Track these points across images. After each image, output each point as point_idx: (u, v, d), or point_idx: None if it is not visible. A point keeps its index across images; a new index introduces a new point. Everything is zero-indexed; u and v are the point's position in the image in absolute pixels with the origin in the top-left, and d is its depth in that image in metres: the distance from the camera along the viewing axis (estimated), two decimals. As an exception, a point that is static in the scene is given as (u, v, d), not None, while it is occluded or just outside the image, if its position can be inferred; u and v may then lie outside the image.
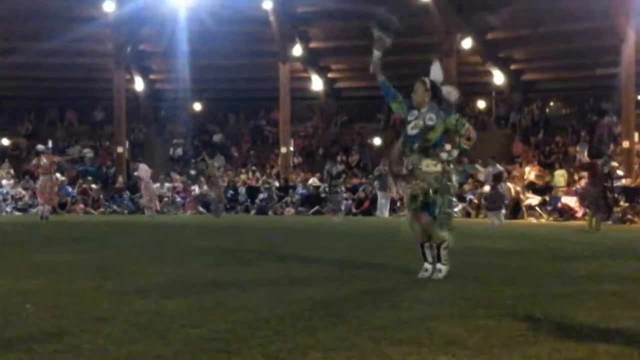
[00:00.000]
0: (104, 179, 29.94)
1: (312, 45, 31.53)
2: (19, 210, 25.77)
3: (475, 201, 23.62)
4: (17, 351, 3.54)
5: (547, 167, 26.49)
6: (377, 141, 31.48)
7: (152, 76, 34.88)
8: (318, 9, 29.72)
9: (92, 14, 28.63)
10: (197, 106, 34.88)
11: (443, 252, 6.48)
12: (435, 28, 27.91)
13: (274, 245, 10.84)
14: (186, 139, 33.80)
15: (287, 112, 30.69)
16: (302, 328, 4.11)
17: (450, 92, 6.76)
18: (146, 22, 30.11)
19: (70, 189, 27.25)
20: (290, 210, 26.47)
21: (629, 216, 20.76)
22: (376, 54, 6.78)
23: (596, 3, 24.71)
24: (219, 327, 4.10)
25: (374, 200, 25.29)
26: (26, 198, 26.30)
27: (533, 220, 22.28)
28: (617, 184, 21.41)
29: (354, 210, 25.58)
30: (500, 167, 20.52)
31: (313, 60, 32.36)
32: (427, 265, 6.52)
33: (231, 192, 27.50)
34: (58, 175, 24.03)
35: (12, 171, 28.85)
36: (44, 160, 19.69)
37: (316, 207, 26.22)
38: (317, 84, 33.50)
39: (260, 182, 28.73)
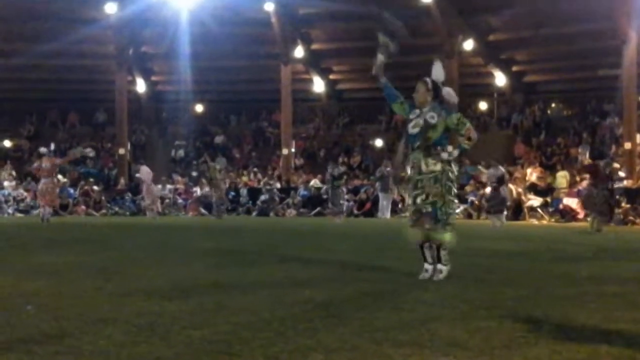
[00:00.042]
0: (106, 181, 29.95)
1: (314, 46, 31.54)
2: (20, 211, 25.79)
3: (477, 202, 23.61)
4: (18, 352, 3.54)
5: (549, 168, 26.47)
6: (378, 143, 31.48)
7: (153, 78, 34.89)
8: (320, 11, 29.73)
9: (94, 15, 28.66)
10: (199, 108, 34.89)
11: (443, 253, 6.49)
12: (437, 29, 27.92)
13: (275, 246, 10.84)
14: (188, 141, 33.82)
15: (288, 113, 30.70)
16: (303, 329, 4.10)
17: (450, 94, 6.79)
18: (148, 24, 30.14)
19: (71, 191, 27.26)
20: (291, 212, 26.47)
21: (631, 217, 20.75)
22: (380, 57, 6.78)
23: (598, 5, 24.71)
24: (221, 329, 4.10)
25: (375, 202, 25.29)
26: (28, 200, 26.33)
27: (534, 221, 22.27)
28: (618, 185, 21.42)
29: (355, 211, 25.57)
30: (502, 169, 20.52)
31: (315, 61, 32.36)
32: (427, 266, 6.53)
33: (232, 193, 27.51)
34: (60, 177, 24.08)
35: (13, 173, 28.87)
36: (45, 162, 19.72)
37: (318, 209, 26.21)
38: (318, 85, 33.50)
39: (261, 183, 28.74)
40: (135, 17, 28.90)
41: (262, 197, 27.09)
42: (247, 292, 5.64)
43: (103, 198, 27.06)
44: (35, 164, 21.11)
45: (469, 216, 23.58)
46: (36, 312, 4.62)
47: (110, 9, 28.48)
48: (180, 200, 27.79)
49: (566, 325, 4.31)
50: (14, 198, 26.53)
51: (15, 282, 6.15)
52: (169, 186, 28.22)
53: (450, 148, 6.51)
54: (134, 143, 33.42)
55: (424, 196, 6.47)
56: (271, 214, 26.19)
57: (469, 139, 6.49)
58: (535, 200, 23.46)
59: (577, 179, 23.90)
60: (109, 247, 10.45)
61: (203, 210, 26.30)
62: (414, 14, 27.35)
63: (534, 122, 30.52)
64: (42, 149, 20.75)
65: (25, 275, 6.63)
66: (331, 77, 33.81)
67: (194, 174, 30.42)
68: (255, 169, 30.83)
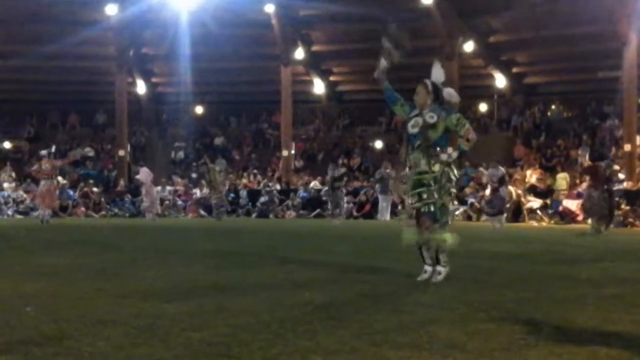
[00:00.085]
0: (106, 182, 29.94)
1: (314, 48, 31.55)
2: (20, 213, 25.78)
3: (477, 204, 23.61)
4: (17, 354, 3.55)
5: (549, 170, 26.47)
6: (378, 144, 31.50)
7: (154, 79, 34.90)
8: (320, 13, 29.74)
9: (95, 17, 28.66)
10: (199, 109, 34.91)
11: (442, 255, 6.49)
12: (437, 31, 27.92)
13: (274, 248, 10.83)
14: (188, 142, 33.82)
15: (288, 115, 30.70)
16: (302, 332, 4.11)
17: (452, 94, 6.81)
18: (148, 25, 30.15)
19: (71, 192, 27.25)
20: (291, 214, 26.46)
21: (630, 220, 20.75)
22: (383, 63, 6.79)
23: (598, 7, 24.71)
24: (220, 331, 4.11)
25: (375, 204, 25.28)
26: (27, 201, 26.31)
27: (534, 223, 22.27)
28: (618, 187, 21.42)
29: (355, 213, 25.57)
30: (503, 170, 20.53)
31: (315, 63, 32.38)
32: (426, 268, 6.55)
33: (232, 195, 27.50)
34: (60, 178, 24.08)
35: (13, 174, 28.86)
36: (45, 164, 19.73)
37: (317, 211, 26.21)
38: (319, 87, 33.52)
39: (261, 185, 28.74)
40: (136, 18, 28.90)
41: (262, 199, 27.09)
42: (246, 294, 5.64)
43: (103, 200, 27.05)
44: (35, 167, 21.11)
45: (469, 218, 23.57)
46: (35, 314, 4.62)
47: (111, 10, 28.49)
48: (179, 202, 27.78)
49: (565, 327, 4.32)
50: (14, 200, 26.52)
51: (15, 283, 6.15)
52: (168, 188, 28.21)
53: (450, 149, 6.52)
54: (134, 144, 33.43)
55: (423, 196, 6.47)
56: (271, 215, 26.18)
57: (468, 140, 6.49)
58: (534, 202, 23.46)
59: (577, 181, 23.90)
60: (108, 249, 10.44)
61: (203, 212, 26.29)
62: (415, 16, 27.40)
63: (534, 124, 30.54)
64: (43, 152, 20.75)
65: (25, 277, 6.63)
66: (331, 78, 33.82)
67: (194, 175, 30.41)
68: (255, 171, 30.82)
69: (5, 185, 27.37)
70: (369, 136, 32.44)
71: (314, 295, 5.53)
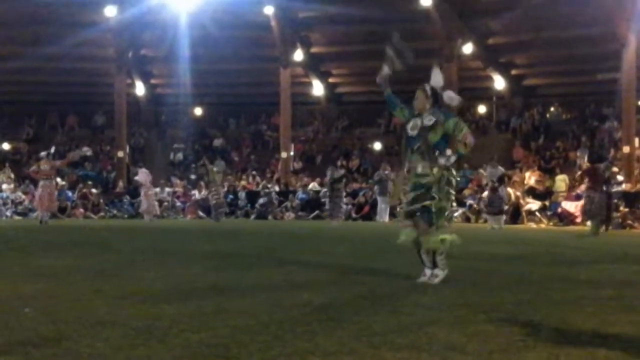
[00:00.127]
0: (104, 184, 29.94)
1: (313, 50, 31.56)
2: (18, 214, 25.78)
3: (475, 206, 23.62)
4: (16, 355, 3.54)
5: (548, 172, 26.48)
6: (377, 146, 31.51)
7: (153, 81, 34.90)
8: (319, 14, 29.75)
9: (94, 18, 28.67)
10: (198, 111, 34.92)
11: (439, 258, 6.50)
12: (436, 33, 27.94)
13: (273, 249, 10.83)
14: (187, 144, 33.81)
15: (287, 117, 30.70)
16: (301, 333, 4.11)
17: (452, 98, 6.83)
18: (147, 27, 30.16)
19: (70, 194, 27.25)
20: (290, 215, 26.46)
21: (629, 221, 20.76)
22: (385, 70, 6.83)
23: (597, 9, 24.74)
24: (219, 332, 4.10)
25: (374, 205, 25.29)
26: (26, 202, 26.30)
27: (533, 225, 22.28)
28: (617, 189, 21.42)
29: (354, 215, 25.57)
30: (502, 169, 20.58)
31: (314, 65, 32.39)
32: (426, 271, 6.56)
33: (231, 196, 27.50)
34: (58, 179, 24.08)
35: (12, 175, 28.84)
36: (44, 165, 19.72)
37: (316, 212, 26.21)
38: (318, 88, 33.53)
39: (260, 186, 28.74)
40: (135, 20, 28.91)
41: (261, 200, 27.08)
42: (245, 295, 5.64)
43: (101, 201, 27.04)
44: (33, 167, 21.10)
45: (467, 220, 23.58)
46: (34, 315, 4.61)
47: (110, 12, 28.50)
48: (178, 203, 27.77)
49: (564, 329, 4.32)
50: (12, 201, 26.51)
51: (14, 284, 6.14)
52: (167, 189, 28.21)
53: (449, 151, 6.53)
54: (133, 146, 33.44)
55: (420, 199, 6.48)
56: (270, 217, 26.17)
57: (465, 144, 6.50)
58: (533, 204, 23.47)
59: (576, 182, 23.91)
60: (107, 250, 10.44)
61: (201, 213, 26.28)
62: (414, 17, 27.42)
63: (533, 126, 30.56)
64: (42, 153, 20.75)
65: (24, 278, 6.63)
66: (330, 80, 33.83)
67: (193, 177, 30.40)
68: (254, 172, 30.82)
69: (4, 186, 27.36)
70: (368, 138, 32.46)
71: (313, 296, 5.52)
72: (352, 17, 28.53)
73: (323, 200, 25.90)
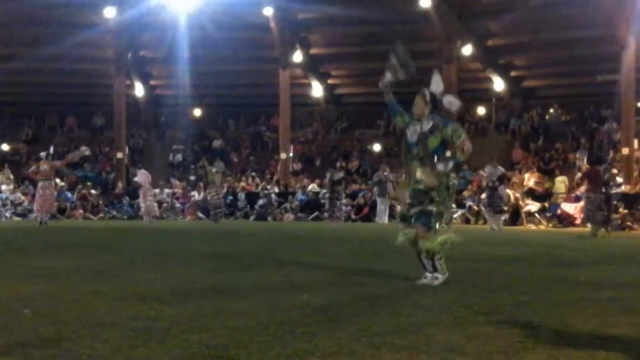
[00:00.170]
0: (104, 185, 29.93)
1: (313, 51, 31.56)
2: (18, 215, 25.76)
3: (475, 207, 23.62)
4: (16, 356, 3.54)
5: (547, 173, 26.49)
6: (376, 147, 31.50)
7: (152, 82, 34.89)
8: (318, 16, 29.75)
9: (93, 20, 28.66)
10: (197, 112, 34.91)
11: (438, 263, 6.52)
12: (435, 34, 27.93)
13: (273, 251, 10.84)
14: (186, 145, 33.80)
15: (287, 118, 30.70)
16: (300, 334, 4.11)
17: (452, 103, 6.85)
18: (147, 28, 30.15)
19: (69, 195, 27.24)
20: (289, 216, 26.45)
21: (628, 223, 20.75)
22: (388, 77, 6.88)
23: (597, 10, 24.74)
24: (218, 333, 4.11)
25: (373, 207, 25.27)
26: (25, 203, 26.28)
27: (532, 226, 22.27)
28: (616, 190, 21.42)
29: (353, 216, 25.56)
30: (502, 169, 20.59)
31: (313, 66, 32.38)
32: (427, 274, 6.57)
33: (230, 197, 27.50)
34: (58, 180, 24.07)
35: (11, 176, 28.83)
36: (44, 165, 19.72)
37: (315, 213, 26.20)
38: (317, 90, 33.52)
39: (259, 187, 28.73)
40: (134, 21, 28.90)
41: (260, 202, 27.07)
42: (245, 296, 5.64)
43: (101, 202, 27.01)
44: (33, 168, 21.09)
45: (467, 221, 23.58)
46: (34, 316, 4.61)
47: (109, 13, 28.48)
48: (178, 205, 27.77)
49: (564, 330, 4.32)
50: (12, 202, 26.50)
51: (13, 285, 6.14)
52: (166, 190, 28.20)
53: (449, 153, 6.54)
54: (132, 147, 33.41)
55: (419, 205, 6.50)
56: (269, 218, 26.16)
57: (463, 150, 6.51)
58: (533, 206, 23.46)
59: (576, 184, 23.92)
60: (106, 251, 10.44)
61: (201, 215, 26.27)
62: (413, 19, 27.43)
63: (532, 127, 30.56)
64: (42, 153, 20.74)
65: (23, 279, 6.63)
66: (330, 81, 33.82)
67: (192, 178, 30.39)
68: (253, 173, 30.81)
69: (3, 187, 27.33)
70: (367, 139, 32.45)
71: (312, 297, 5.53)
72: (352, 18, 28.53)
73: (322, 201, 25.89)
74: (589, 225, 17.16)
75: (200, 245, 12.06)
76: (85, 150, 26.96)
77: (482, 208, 21.55)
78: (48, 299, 5.38)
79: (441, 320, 4.60)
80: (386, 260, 8.78)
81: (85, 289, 5.94)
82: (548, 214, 23.09)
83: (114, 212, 26.95)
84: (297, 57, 30.54)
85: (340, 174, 23.65)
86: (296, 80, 31.98)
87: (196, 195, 27.64)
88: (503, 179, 20.06)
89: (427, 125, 6.56)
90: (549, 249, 11.89)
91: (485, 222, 21.18)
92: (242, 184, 29.70)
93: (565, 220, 22.12)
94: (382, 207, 24.44)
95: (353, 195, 26.59)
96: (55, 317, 4.56)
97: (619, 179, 23.23)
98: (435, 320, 4.59)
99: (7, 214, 25.66)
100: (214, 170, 24.49)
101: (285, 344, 3.83)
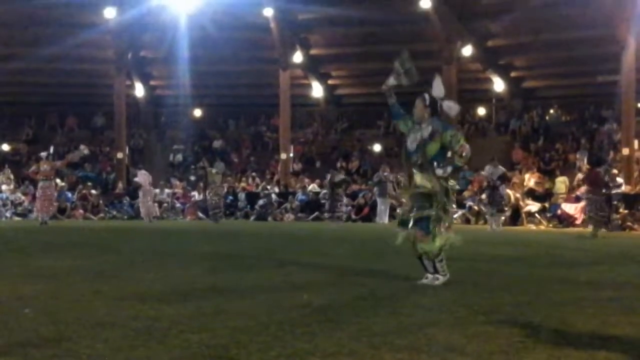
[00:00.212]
0: (104, 185, 29.92)
1: (313, 52, 31.55)
2: (18, 215, 25.76)
3: (475, 208, 23.62)
4: (16, 356, 3.54)
5: (547, 174, 26.48)
6: (377, 147, 31.50)
7: (152, 82, 34.89)
8: (319, 16, 29.73)
9: (93, 20, 28.66)
10: (198, 112, 34.91)
11: (438, 265, 6.53)
12: (435, 35, 27.93)
13: (273, 251, 10.84)
14: (186, 145, 33.80)
15: (287, 118, 30.70)
16: (301, 334, 4.11)
17: (451, 107, 6.87)
18: (147, 28, 30.14)
19: (70, 195, 27.24)
20: (289, 216, 26.44)
21: (629, 223, 20.75)
22: (391, 81, 6.92)
23: (597, 11, 24.73)
24: (218, 333, 4.10)
25: (373, 207, 25.27)
26: (26, 203, 26.29)
27: (532, 226, 22.27)
28: (616, 191, 21.43)
29: (353, 216, 25.56)
30: (502, 168, 20.60)
31: (313, 66, 32.38)
32: (428, 275, 6.58)
33: (231, 198, 27.50)
34: (58, 180, 24.06)
35: (11, 176, 28.83)
36: (44, 165, 19.72)
37: (316, 213, 26.20)
38: (317, 90, 33.52)
39: (259, 188, 28.73)
40: (135, 21, 28.89)
41: (260, 202, 27.06)
42: (245, 296, 5.64)
43: (101, 202, 27.01)
44: (33, 168, 21.10)
45: (467, 221, 23.58)
46: (34, 316, 4.61)
47: (110, 13, 28.48)
48: (178, 205, 27.77)
49: (564, 330, 4.32)
50: (12, 202, 26.50)
51: (13, 285, 6.14)
52: (167, 190, 28.20)
53: (449, 153, 6.56)
54: (132, 147, 33.42)
55: (418, 209, 6.52)
56: (269, 218, 26.16)
57: (462, 156, 6.53)
58: (533, 206, 23.47)
59: (576, 185, 23.92)
60: (106, 251, 10.44)
61: (201, 215, 26.27)
62: (413, 20, 27.42)
63: (533, 128, 30.56)
64: (42, 154, 20.74)
65: (23, 279, 6.63)
66: (330, 82, 33.82)
67: (192, 178, 30.39)
68: (253, 174, 30.81)
69: (4, 187, 27.34)
70: (368, 139, 32.44)
71: (312, 297, 5.52)
72: (352, 19, 28.53)
73: (323, 201, 25.89)
74: (590, 225, 17.17)
75: (200, 245, 12.06)
76: (84, 149, 26.95)
77: (483, 207, 21.56)
78: (48, 299, 5.38)
79: (441, 320, 4.60)
80: (386, 260, 8.78)
81: (86, 288, 5.94)
82: (548, 214, 23.09)
83: (114, 212, 26.95)
84: (297, 57, 30.54)
85: (341, 176, 23.65)
86: (296, 80, 31.98)
87: (196, 196, 27.65)
88: (504, 178, 20.08)
89: (426, 131, 6.60)
90: (549, 249, 11.89)
91: (485, 222, 21.19)
92: (243, 184, 29.70)
93: (566, 220, 22.13)
94: (382, 207, 24.43)
95: (353, 196, 26.59)
96: (56, 316, 4.56)
97: (619, 180, 23.23)
98: (436, 320, 4.59)
99: (8, 214, 25.66)
100: (214, 171, 24.50)
101: (285, 344, 3.83)
